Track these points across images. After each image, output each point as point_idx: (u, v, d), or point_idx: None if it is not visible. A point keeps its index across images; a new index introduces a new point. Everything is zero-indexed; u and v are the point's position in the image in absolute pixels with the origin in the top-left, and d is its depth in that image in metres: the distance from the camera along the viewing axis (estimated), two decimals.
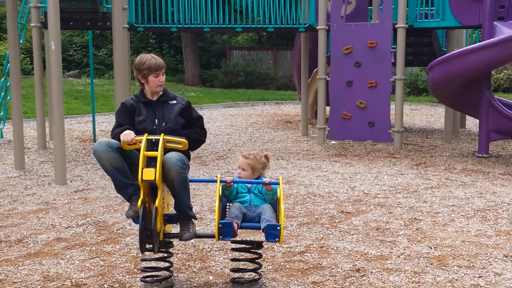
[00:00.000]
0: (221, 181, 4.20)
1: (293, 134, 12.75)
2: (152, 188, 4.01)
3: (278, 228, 3.95)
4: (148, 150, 3.98)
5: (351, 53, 11.15)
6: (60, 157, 7.80)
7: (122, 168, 4.09)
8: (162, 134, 4.07)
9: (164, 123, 4.33)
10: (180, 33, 24.94)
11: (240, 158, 4.35)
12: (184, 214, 4.16)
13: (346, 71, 11.19)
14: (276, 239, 3.98)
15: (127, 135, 4.08)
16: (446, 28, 11.78)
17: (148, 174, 3.86)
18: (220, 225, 3.98)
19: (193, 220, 4.22)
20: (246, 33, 29.04)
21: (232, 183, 4.22)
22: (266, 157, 4.41)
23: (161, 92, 4.47)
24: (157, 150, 3.95)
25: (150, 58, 4.44)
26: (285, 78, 25.69)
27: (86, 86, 20.27)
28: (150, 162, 3.93)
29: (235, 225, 3.99)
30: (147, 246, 4.03)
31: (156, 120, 4.35)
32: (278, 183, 4.22)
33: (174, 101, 4.46)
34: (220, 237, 4.01)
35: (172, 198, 4.20)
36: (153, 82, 4.40)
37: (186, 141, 4.12)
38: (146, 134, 4.05)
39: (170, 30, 11.72)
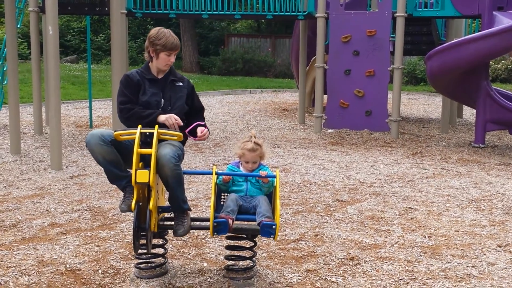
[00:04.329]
0: (217, 179, 4.11)
1: (290, 122, 12.74)
2: (146, 187, 3.89)
3: (274, 227, 3.93)
4: (142, 142, 3.89)
5: (350, 42, 11.12)
6: (56, 143, 7.79)
7: (115, 161, 4.00)
8: (157, 127, 3.93)
9: (170, 107, 4.21)
10: (179, 19, 24.84)
11: (246, 153, 4.15)
12: (178, 207, 4.09)
13: (344, 59, 11.16)
14: (272, 236, 3.96)
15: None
16: (445, 18, 11.76)
17: (141, 176, 3.76)
18: (215, 224, 3.93)
19: (187, 211, 4.15)
20: (245, 20, 28.94)
21: (229, 179, 4.14)
22: (254, 135, 4.25)
23: (167, 70, 4.32)
24: (151, 141, 3.87)
25: (168, 35, 4.23)
26: (283, 66, 25.63)
27: (83, 72, 20.21)
28: (144, 157, 3.86)
29: (230, 221, 3.94)
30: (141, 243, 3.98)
31: (162, 101, 4.21)
32: (275, 176, 4.13)
33: (181, 83, 4.33)
34: (215, 233, 4.00)
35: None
36: (163, 60, 4.22)
37: (181, 134, 3.99)
38: (140, 126, 3.91)
39: (168, 17, 11.67)
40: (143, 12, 11.26)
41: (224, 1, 11.38)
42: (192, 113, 4.39)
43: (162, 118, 4.12)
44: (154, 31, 4.26)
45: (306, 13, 11.47)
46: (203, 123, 4.36)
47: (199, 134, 4.25)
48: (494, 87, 10.17)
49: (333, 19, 11.18)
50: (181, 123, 4.17)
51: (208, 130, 4.35)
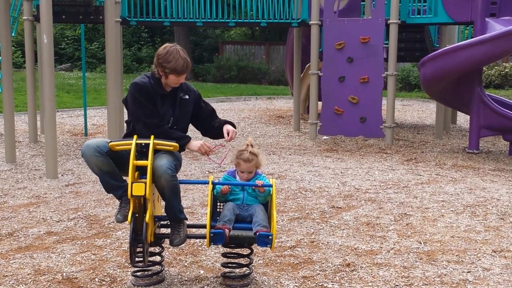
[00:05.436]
0: (214, 189, 4.12)
1: (285, 129, 12.77)
2: (142, 198, 3.89)
3: (270, 237, 3.94)
4: (138, 152, 3.89)
5: (344, 49, 11.16)
6: (51, 151, 7.79)
7: (111, 171, 3.99)
8: (152, 137, 3.92)
9: (175, 126, 4.22)
10: (173, 27, 24.88)
11: (242, 163, 4.17)
12: (174, 217, 4.10)
13: (338, 66, 11.20)
14: (268, 245, 3.97)
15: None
16: (438, 24, 11.83)
17: (138, 189, 3.75)
18: (212, 235, 3.95)
19: (184, 221, 4.16)
20: (239, 28, 29.01)
21: (227, 191, 4.14)
22: (251, 144, 4.28)
23: None
24: (147, 151, 3.85)
25: (177, 56, 4.02)
26: (277, 73, 25.69)
27: (78, 80, 20.20)
28: (141, 166, 3.86)
29: (227, 231, 3.95)
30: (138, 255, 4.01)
31: (172, 119, 4.20)
32: (271, 186, 4.14)
33: (187, 96, 4.27)
34: (212, 243, 4.01)
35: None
36: (173, 80, 4.12)
37: (177, 145, 3.99)
38: (135, 137, 3.92)
39: (162, 24, 11.71)
40: (137, 20, 11.29)
41: (218, 9, 11.43)
42: (206, 116, 4.44)
43: (194, 147, 4.23)
44: (163, 50, 4.07)
45: (300, 20, 11.52)
46: (226, 120, 4.49)
47: (225, 136, 4.39)
48: (488, 93, 10.23)
49: (326, 26, 11.23)
50: (213, 150, 4.26)
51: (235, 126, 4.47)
